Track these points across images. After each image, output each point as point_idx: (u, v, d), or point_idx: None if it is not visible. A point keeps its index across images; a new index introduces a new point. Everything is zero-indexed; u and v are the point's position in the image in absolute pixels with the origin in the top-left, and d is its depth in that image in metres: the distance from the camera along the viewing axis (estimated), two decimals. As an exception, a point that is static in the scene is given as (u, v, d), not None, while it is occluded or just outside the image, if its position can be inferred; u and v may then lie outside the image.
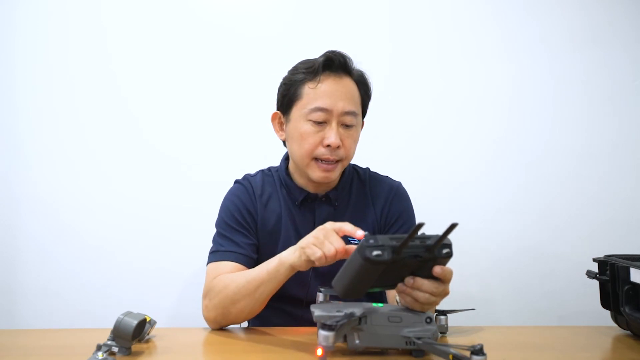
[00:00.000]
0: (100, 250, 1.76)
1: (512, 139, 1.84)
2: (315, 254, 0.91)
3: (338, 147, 1.13)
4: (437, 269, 0.85)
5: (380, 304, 0.90)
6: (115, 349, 0.88)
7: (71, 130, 1.77)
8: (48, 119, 1.77)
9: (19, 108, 1.77)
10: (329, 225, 0.95)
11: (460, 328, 1.10)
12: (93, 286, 1.75)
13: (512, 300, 1.82)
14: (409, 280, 0.86)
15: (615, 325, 1.13)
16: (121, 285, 1.75)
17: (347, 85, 1.16)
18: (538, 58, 1.84)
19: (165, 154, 1.79)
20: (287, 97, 1.18)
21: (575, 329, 1.20)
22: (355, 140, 1.19)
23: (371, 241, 0.79)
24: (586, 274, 1.15)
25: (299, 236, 1.19)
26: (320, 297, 0.97)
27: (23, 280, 1.75)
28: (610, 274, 1.09)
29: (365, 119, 1.25)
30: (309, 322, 0.96)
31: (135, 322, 0.86)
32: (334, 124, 1.13)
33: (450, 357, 0.78)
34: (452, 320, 1.05)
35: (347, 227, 0.93)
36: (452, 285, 0.89)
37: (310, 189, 1.22)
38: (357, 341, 0.85)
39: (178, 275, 1.77)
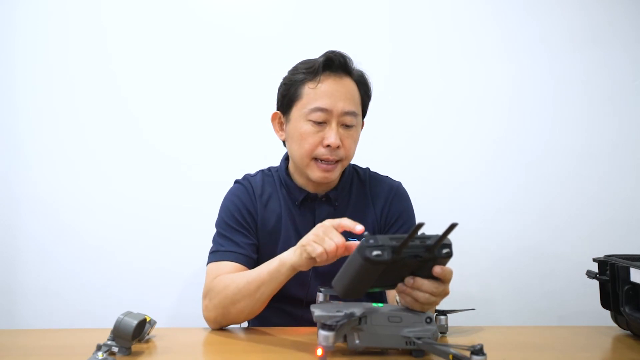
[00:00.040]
0: (100, 250, 1.76)
1: (512, 139, 1.84)
2: (316, 250, 0.91)
3: (338, 147, 1.13)
4: (437, 269, 0.85)
5: (380, 304, 0.90)
6: (115, 349, 0.88)
7: (71, 130, 1.77)
8: (48, 119, 1.77)
9: (19, 108, 1.77)
10: (328, 222, 0.95)
11: (460, 328, 1.10)
12: (93, 286, 1.75)
13: (512, 300, 1.82)
14: (409, 280, 0.86)
15: (615, 325, 1.13)
16: (121, 285, 1.75)
17: (347, 85, 1.16)
18: (538, 58, 1.84)
19: (165, 154, 1.79)
20: (287, 97, 1.18)
21: (575, 329, 1.20)
22: (355, 141, 1.19)
23: (371, 241, 0.79)
24: (586, 274, 1.15)
25: (299, 236, 1.19)
26: (320, 297, 0.97)
27: (23, 280, 1.75)
28: (610, 274, 1.09)
29: (365, 119, 1.25)
30: (309, 322, 0.96)
31: (135, 322, 0.86)
32: (333, 124, 1.13)
33: (450, 357, 0.78)
34: (452, 320, 1.05)
35: (346, 222, 0.93)
36: (452, 285, 0.89)
37: (310, 189, 1.22)
38: (357, 341, 0.85)
39: (178, 275, 1.77)
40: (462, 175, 1.83)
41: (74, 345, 0.95)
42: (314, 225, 1.19)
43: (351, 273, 0.83)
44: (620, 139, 1.84)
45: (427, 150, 1.83)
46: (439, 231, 0.81)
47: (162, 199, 1.77)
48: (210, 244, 1.20)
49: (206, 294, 1.10)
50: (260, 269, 1.04)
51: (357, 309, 0.86)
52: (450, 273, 0.88)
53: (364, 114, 1.24)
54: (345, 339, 0.87)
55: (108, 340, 0.87)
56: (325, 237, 0.92)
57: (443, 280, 0.87)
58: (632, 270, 1.02)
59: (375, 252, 0.78)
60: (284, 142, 1.24)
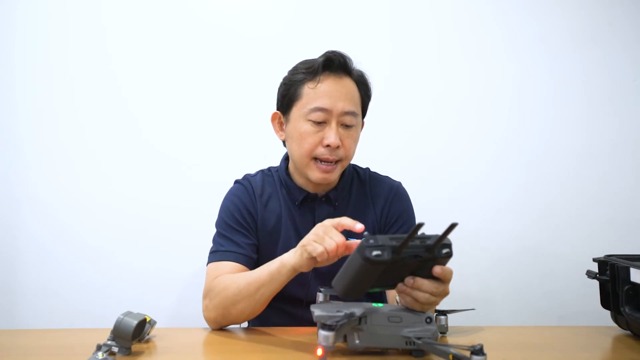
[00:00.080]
0: (100, 250, 1.76)
1: (512, 139, 1.84)
2: (317, 249, 0.91)
3: (338, 147, 1.13)
4: (437, 269, 0.85)
5: (380, 304, 0.90)
6: (115, 349, 0.88)
7: (71, 130, 1.77)
8: (48, 119, 1.77)
9: (19, 108, 1.77)
10: (328, 221, 0.95)
11: (460, 328, 1.10)
12: (93, 286, 1.75)
13: (512, 300, 1.82)
14: (409, 280, 0.86)
15: (615, 325, 1.13)
16: (121, 285, 1.75)
17: (347, 85, 1.16)
18: (538, 58, 1.84)
19: (165, 154, 1.79)
20: (287, 97, 1.18)
21: (575, 329, 1.20)
22: (355, 141, 1.19)
23: (371, 241, 0.79)
24: (586, 274, 1.15)
25: (299, 236, 1.19)
26: (320, 297, 0.97)
27: (23, 280, 1.75)
28: (610, 274, 1.09)
29: (365, 119, 1.25)
30: (309, 322, 0.96)
31: (135, 322, 0.86)
32: (333, 124, 1.13)
33: (450, 357, 0.78)
34: (452, 320, 1.05)
35: (346, 221, 0.93)
36: (452, 285, 0.89)
37: (310, 189, 1.22)
38: (357, 341, 0.85)
39: (178, 275, 1.77)
40: (462, 175, 1.83)
41: (74, 345, 0.95)
42: (313, 225, 1.19)
43: (351, 273, 0.83)
44: (620, 139, 1.84)
45: (427, 150, 1.83)
46: (439, 231, 0.80)
47: (162, 199, 1.77)
48: (210, 244, 1.20)
49: (206, 294, 1.10)
50: (260, 270, 1.04)
51: (357, 309, 0.86)
52: (450, 273, 0.88)
53: (363, 114, 1.24)
54: (345, 339, 0.87)
55: (108, 340, 0.87)
56: (326, 237, 0.92)
57: (443, 280, 0.86)
58: (632, 270, 1.02)
59: (375, 252, 0.78)
60: (283, 142, 1.24)
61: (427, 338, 0.84)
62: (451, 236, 0.81)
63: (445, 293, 0.88)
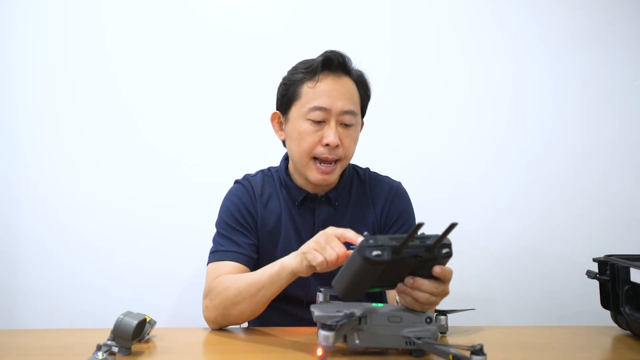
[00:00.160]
0: (100, 250, 1.76)
1: (512, 139, 1.84)
2: (317, 259, 0.91)
3: (337, 146, 1.13)
4: (437, 269, 0.85)
5: (380, 304, 0.90)
6: (115, 349, 0.88)
7: (71, 130, 1.77)
8: (48, 119, 1.77)
9: (19, 108, 1.77)
10: (331, 230, 0.94)
11: (460, 328, 1.10)
12: (93, 286, 1.75)
13: (512, 300, 1.82)
14: (408, 280, 0.86)
15: (615, 325, 1.13)
16: (121, 285, 1.75)
17: (346, 84, 1.16)
18: (538, 58, 1.84)
19: (165, 154, 1.79)
20: (286, 97, 1.18)
21: (575, 329, 1.20)
22: (355, 140, 1.19)
23: (371, 241, 0.78)
24: (586, 274, 1.15)
25: (299, 236, 1.20)
26: (320, 297, 0.97)
27: (23, 280, 1.75)
28: (610, 274, 1.09)
29: (365, 119, 1.25)
30: (309, 322, 0.96)
31: (135, 322, 0.86)
32: (332, 123, 1.13)
33: (450, 357, 0.78)
34: (452, 320, 1.05)
35: (349, 234, 0.92)
36: (452, 285, 0.89)
37: (310, 189, 1.22)
38: (357, 341, 0.85)
39: (178, 275, 1.77)
40: (462, 175, 1.83)
41: (74, 345, 0.95)
42: (313, 225, 1.20)
43: (351, 273, 0.83)
44: (620, 139, 1.84)
45: (427, 150, 1.83)
46: (439, 231, 0.80)
47: (162, 199, 1.77)
48: (210, 244, 1.20)
49: (207, 294, 1.10)
50: (261, 271, 1.04)
51: (357, 309, 0.86)
52: (450, 273, 0.88)
53: (363, 114, 1.24)
54: (345, 339, 0.87)
55: (108, 340, 0.87)
56: (327, 246, 0.91)
57: (443, 280, 0.86)
58: (632, 270, 1.02)
59: (375, 252, 0.78)
60: (283, 142, 1.24)
61: (427, 338, 0.84)
62: (451, 236, 0.81)
63: (445, 293, 0.88)
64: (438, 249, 0.82)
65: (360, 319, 0.85)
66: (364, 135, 1.24)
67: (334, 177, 1.17)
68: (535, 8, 1.85)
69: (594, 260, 1.16)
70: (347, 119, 1.14)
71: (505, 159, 1.84)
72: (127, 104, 1.79)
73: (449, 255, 0.84)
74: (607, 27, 1.84)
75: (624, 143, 1.84)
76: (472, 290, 1.80)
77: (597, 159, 1.84)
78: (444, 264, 0.86)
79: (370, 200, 1.26)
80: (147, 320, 0.93)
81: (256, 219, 1.21)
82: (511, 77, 1.84)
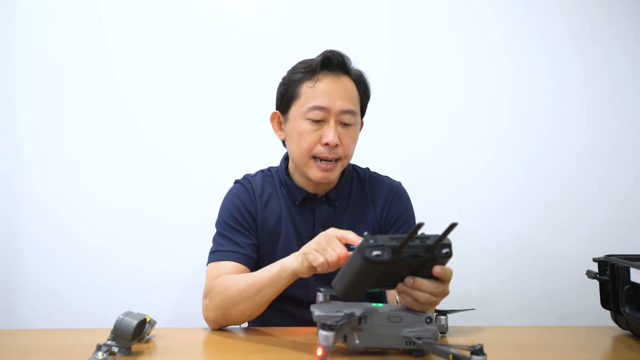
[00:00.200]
0: (100, 250, 1.76)
1: (512, 139, 1.84)
2: (318, 260, 0.91)
3: (336, 145, 1.13)
4: (437, 269, 0.85)
5: (380, 304, 0.90)
6: (115, 349, 0.88)
7: (71, 130, 1.77)
8: (48, 119, 1.77)
9: (19, 108, 1.77)
10: (332, 231, 0.94)
11: (460, 328, 1.10)
12: (93, 286, 1.75)
13: (512, 300, 1.82)
14: (409, 280, 0.86)
15: (615, 325, 1.13)
16: (121, 285, 1.75)
17: (346, 84, 1.16)
18: (538, 58, 1.84)
19: (165, 154, 1.79)
20: (286, 97, 1.18)
21: (575, 329, 1.20)
22: (354, 139, 1.19)
23: (371, 241, 0.78)
24: (586, 274, 1.15)
25: (299, 236, 1.20)
26: (320, 297, 0.97)
27: (23, 280, 1.75)
28: (610, 274, 1.09)
29: (365, 119, 1.25)
30: (309, 322, 0.96)
31: (135, 322, 0.86)
32: (332, 123, 1.13)
33: (450, 357, 0.78)
34: (452, 320, 1.05)
35: (351, 236, 0.92)
36: (452, 285, 0.89)
37: (310, 188, 1.22)
38: (357, 341, 0.85)
39: (178, 275, 1.77)
40: (462, 175, 1.83)
41: (74, 345, 0.95)
42: (313, 225, 1.20)
43: (351, 273, 0.83)
44: (620, 139, 1.84)
45: (427, 150, 1.83)
46: (439, 231, 0.80)
47: (162, 199, 1.77)
48: (210, 244, 1.20)
49: (206, 294, 1.10)
50: (262, 272, 1.04)
51: (357, 309, 0.86)
52: (450, 273, 0.88)
53: (362, 114, 1.24)
54: (345, 339, 0.87)
55: (108, 340, 0.87)
56: (328, 248, 0.91)
57: (443, 280, 0.86)
58: (632, 270, 1.02)
59: (375, 252, 0.78)
60: (283, 141, 1.24)
61: (427, 338, 0.84)
62: (451, 236, 0.81)
63: (445, 293, 0.88)
64: (438, 249, 0.82)
65: (360, 319, 0.85)
66: (364, 135, 1.24)
67: (334, 175, 1.17)
68: (535, 8, 1.85)
69: (594, 260, 1.16)
70: (346, 118, 1.14)
71: (505, 159, 1.84)
72: (127, 104, 1.79)
73: (449, 255, 0.84)
74: (607, 27, 1.84)
75: (624, 143, 1.84)
76: (472, 290, 1.80)
77: (597, 159, 1.84)
78: (444, 264, 0.86)
79: (370, 200, 1.26)
80: (147, 320, 0.93)
81: (256, 219, 1.21)
82: (511, 77, 1.84)
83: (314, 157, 1.15)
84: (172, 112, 1.79)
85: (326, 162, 1.14)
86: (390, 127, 1.80)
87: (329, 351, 0.83)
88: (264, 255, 1.19)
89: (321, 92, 1.13)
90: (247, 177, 1.28)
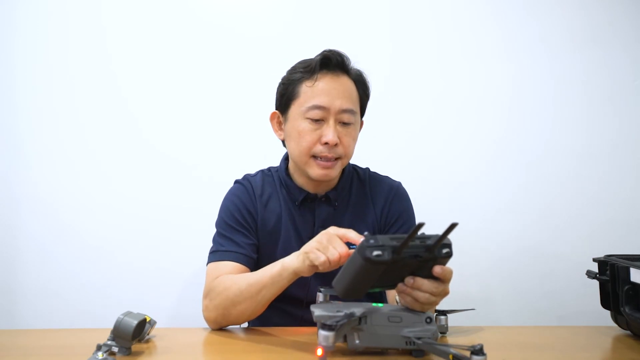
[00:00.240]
0: (100, 250, 1.76)
1: (512, 139, 1.84)
2: (319, 258, 0.91)
3: (336, 144, 1.13)
4: (437, 269, 0.85)
5: (380, 304, 0.90)
6: (115, 349, 0.88)
7: (71, 130, 1.78)
8: (48, 119, 1.77)
9: (19, 108, 1.77)
10: (333, 230, 0.95)
11: (460, 328, 1.10)
12: (93, 286, 1.75)
13: (512, 300, 1.82)
14: (409, 280, 0.86)
15: (615, 325, 1.13)
16: (121, 285, 1.75)
17: (345, 83, 1.16)
18: (538, 58, 1.84)
19: (166, 154, 1.79)
20: (285, 96, 1.18)
21: (575, 329, 1.20)
22: (354, 139, 1.19)
23: (371, 241, 0.78)
24: (586, 274, 1.15)
25: (299, 236, 1.20)
26: (320, 297, 0.97)
27: (23, 280, 1.75)
28: (610, 274, 1.09)
29: (365, 119, 1.25)
30: (309, 322, 0.96)
31: (135, 322, 0.86)
32: (331, 122, 1.13)
33: (450, 357, 0.78)
34: (452, 320, 1.05)
35: (352, 235, 0.92)
36: (452, 285, 0.89)
37: (310, 188, 1.22)
38: (357, 341, 0.85)
39: (178, 275, 1.77)
40: (462, 175, 1.83)
41: (74, 345, 0.95)
42: (314, 225, 1.20)
43: (351, 273, 0.83)
44: (620, 139, 1.84)
45: (427, 150, 1.83)
46: (439, 231, 0.80)
47: (162, 199, 1.77)
48: (210, 244, 1.20)
49: (207, 294, 1.10)
50: (262, 272, 1.04)
51: (357, 309, 0.86)
52: (450, 273, 0.88)
53: (362, 113, 1.24)
54: (345, 339, 0.87)
55: (108, 340, 0.87)
56: (329, 246, 0.91)
57: (443, 280, 0.86)
58: (632, 270, 1.02)
59: (375, 252, 0.78)
60: (283, 141, 1.24)
61: (427, 338, 0.84)
62: (451, 236, 0.81)
63: (445, 293, 0.88)
64: (438, 249, 0.82)
65: (360, 319, 0.85)
66: (364, 135, 1.24)
67: (334, 173, 1.17)
68: (535, 8, 1.85)
69: (594, 260, 1.16)
70: (345, 117, 1.14)
71: (505, 159, 1.84)
72: (127, 104, 1.79)
73: (449, 255, 0.84)
74: (607, 27, 1.85)
75: (624, 143, 1.84)
76: (472, 290, 1.80)
77: (597, 159, 1.84)
78: (444, 264, 0.86)
79: (370, 200, 1.26)
80: (147, 320, 0.93)
81: (256, 219, 1.21)
82: (511, 77, 1.84)
83: (314, 156, 1.15)
84: (172, 112, 1.79)
85: (326, 160, 1.14)
86: (390, 127, 1.80)
87: (329, 351, 0.83)
88: (264, 255, 1.19)
89: (320, 91, 1.13)
90: (247, 177, 1.28)
